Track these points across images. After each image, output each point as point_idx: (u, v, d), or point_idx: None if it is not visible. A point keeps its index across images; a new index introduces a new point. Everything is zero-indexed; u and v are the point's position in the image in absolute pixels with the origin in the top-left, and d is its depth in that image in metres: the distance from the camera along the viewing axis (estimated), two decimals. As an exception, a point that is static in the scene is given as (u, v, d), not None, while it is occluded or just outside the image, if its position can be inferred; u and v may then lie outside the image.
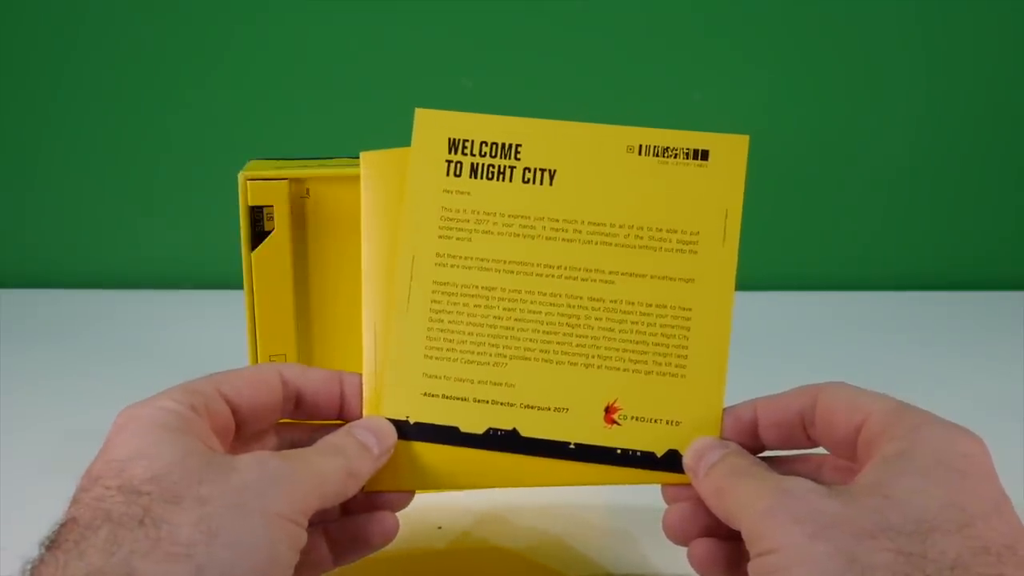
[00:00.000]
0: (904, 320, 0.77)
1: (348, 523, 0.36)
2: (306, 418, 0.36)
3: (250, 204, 0.42)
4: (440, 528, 0.43)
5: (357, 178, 0.42)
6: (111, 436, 0.30)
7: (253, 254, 0.42)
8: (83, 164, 0.80)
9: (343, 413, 0.36)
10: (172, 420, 0.30)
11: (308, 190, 0.43)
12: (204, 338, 0.70)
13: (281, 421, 0.36)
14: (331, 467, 0.32)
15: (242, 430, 0.34)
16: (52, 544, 0.27)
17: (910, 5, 0.76)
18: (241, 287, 0.43)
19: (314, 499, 0.30)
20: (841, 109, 0.79)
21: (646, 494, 0.36)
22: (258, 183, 0.42)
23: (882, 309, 0.79)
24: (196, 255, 0.82)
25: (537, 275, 0.37)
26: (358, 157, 0.44)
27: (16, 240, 0.82)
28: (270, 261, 0.42)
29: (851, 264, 0.84)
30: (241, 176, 0.42)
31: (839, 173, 0.81)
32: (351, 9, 0.75)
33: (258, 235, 0.42)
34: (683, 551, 0.34)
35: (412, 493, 0.37)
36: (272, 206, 0.42)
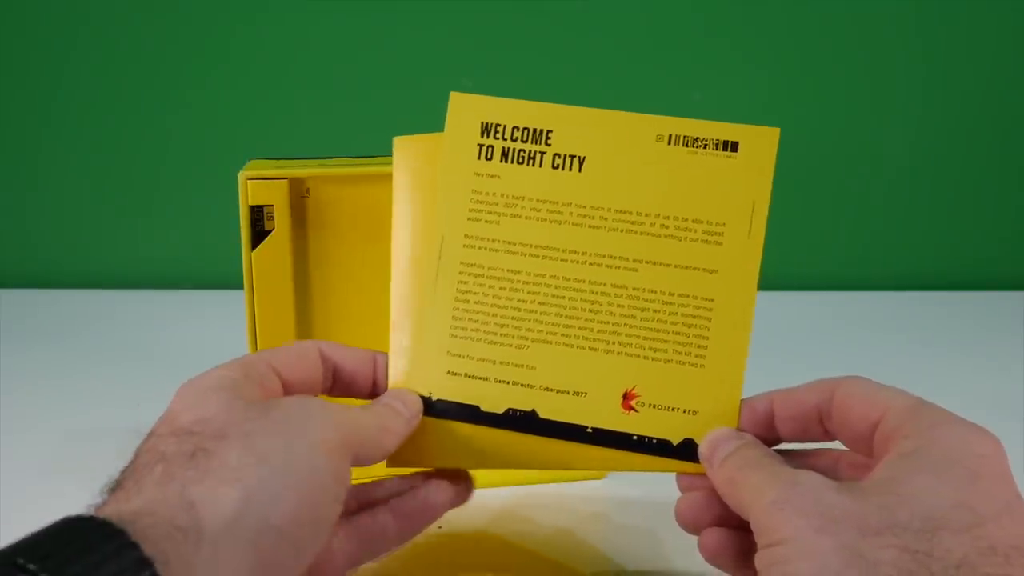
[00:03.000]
0: (904, 320, 0.77)
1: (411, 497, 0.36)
2: (341, 395, 0.37)
3: (250, 204, 0.42)
4: (440, 528, 0.43)
5: (357, 178, 0.42)
6: (171, 403, 0.31)
7: (253, 254, 0.42)
8: (83, 164, 0.80)
9: (375, 392, 0.37)
10: (225, 383, 0.31)
11: (308, 190, 0.43)
12: (204, 338, 0.70)
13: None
14: (367, 418, 0.33)
15: None
16: (114, 488, 0.28)
17: (910, 5, 0.76)
18: (241, 287, 0.43)
19: (352, 437, 0.31)
20: (841, 109, 0.79)
21: (663, 489, 0.37)
22: (258, 183, 0.42)
23: (882, 309, 0.79)
24: (196, 255, 0.82)
25: (562, 260, 0.37)
26: (358, 157, 0.44)
27: (16, 240, 0.82)
28: (270, 261, 0.43)
29: (851, 264, 0.84)
30: (241, 176, 0.42)
31: (839, 173, 0.81)
32: (351, 9, 0.75)
33: (258, 235, 0.42)
34: (694, 543, 0.34)
35: (470, 490, 0.37)
36: (272, 206, 0.42)
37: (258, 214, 0.42)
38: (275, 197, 0.42)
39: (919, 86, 0.79)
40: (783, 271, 0.82)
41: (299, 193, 0.43)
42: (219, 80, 0.77)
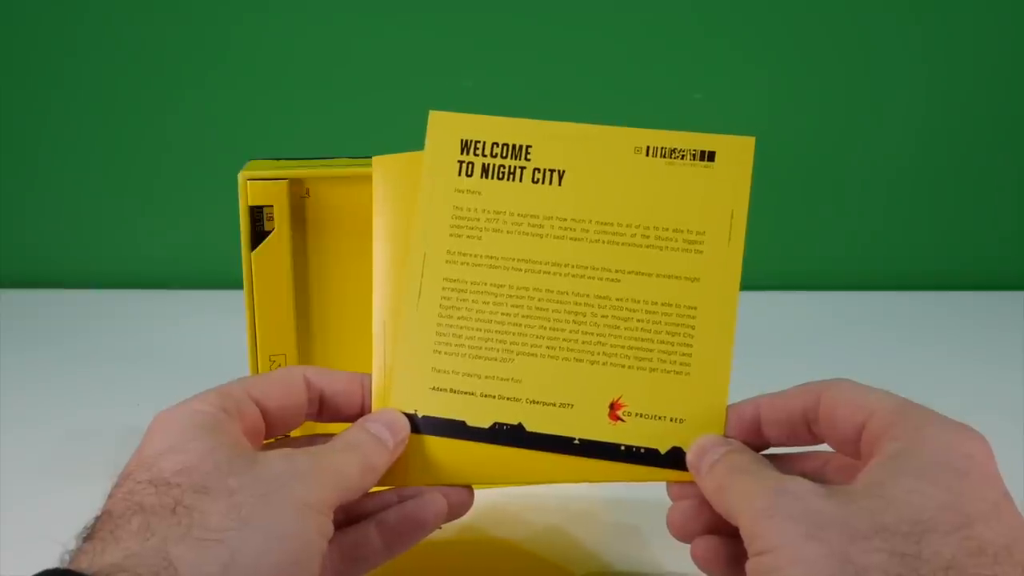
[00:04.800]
0: (904, 320, 0.77)
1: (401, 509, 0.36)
2: (329, 420, 0.37)
3: (250, 204, 0.42)
4: (440, 528, 0.43)
5: (357, 178, 0.42)
6: (145, 437, 0.31)
7: (253, 254, 0.42)
8: (83, 164, 0.80)
9: (363, 414, 0.37)
10: (203, 420, 0.31)
11: (308, 190, 0.43)
12: (204, 338, 0.70)
13: (309, 428, 0.37)
14: (349, 463, 0.32)
15: (270, 432, 0.35)
16: (88, 536, 0.27)
17: (910, 5, 0.76)
18: (241, 287, 0.43)
19: (336, 493, 0.31)
20: (841, 109, 0.79)
21: (651, 488, 0.37)
22: (258, 183, 0.42)
23: (882, 309, 0.79)
24: (196, 255, 0.82)
25: (545, 273, 0.37)
26: (358, 157, 0.44)
27: (16, 240, 0.82)
28: (270, 261, 0.43)
29: (851, 264, 0.84)
30: (241, 176, 0.42)
31: (839, 173, 0.81)
32: (351, 9, 0.75)
33: (258, 235, 0.42)
34: (687, 547, 0.34)
35: (470, 497, 0.37)
36: (272, 206, 0.42)
37: (258, 214, 0.42)
38: (275, 197, 0.42)
39: (919, 86, 0.79)
40: (783, 271, 0.82)
41: (299, 193, 0.43)
42: (218, 80, 0.77)
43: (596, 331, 0.37)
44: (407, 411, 0.36)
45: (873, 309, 0.79)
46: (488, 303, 0.37)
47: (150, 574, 0.25)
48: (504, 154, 0.38)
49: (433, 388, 0.37)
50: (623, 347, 0.37)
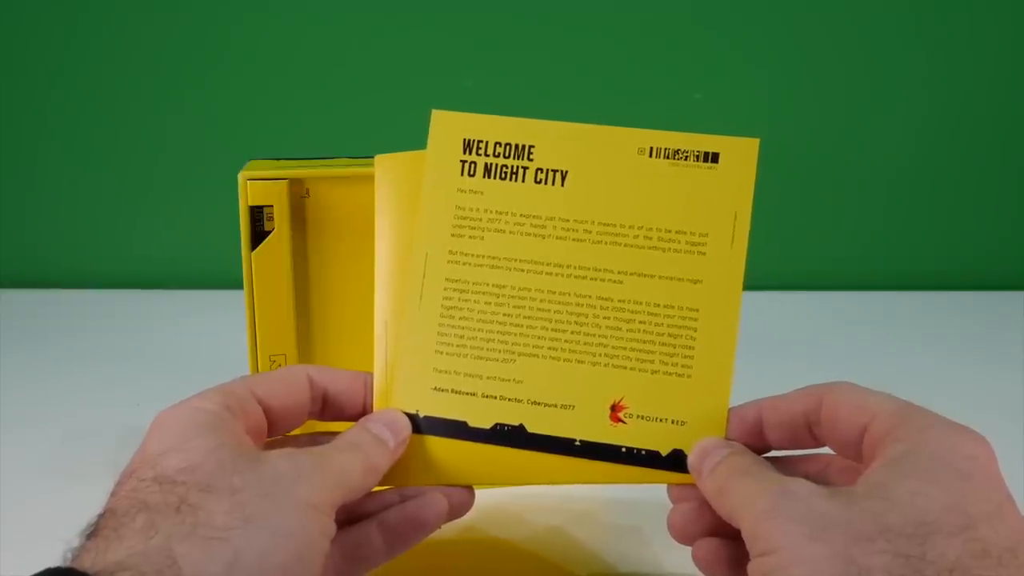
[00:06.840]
0: (904, 320, 0.77)
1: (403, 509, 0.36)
2: (332, 419, 0.37)
3: (250, 204, 0.42)
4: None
5: (357, 178, 0.42)
6: (147, 435, 0.31)
7: (253, 254, 0.42)
8: (83, 164, 0.80)
9: (366, 413, 0.37)
10: (206, 419, 0.31)
11: (308, 190, 0.43)
12: (204, 338, 0.70)
13: (311, 427, 0.37)
14: (352, 463, 0.32)
15: (273, 431, 0.35)
16: (92, 533, 0.27)
17: (910, 5, 0.76)
18: (241, 287, 0.43)
19: (338, 493, 0.31)
20: (841, 109, 0.79)
21: (652, 489, 0.37)
22: (258, 183, 0.42)
23: (882, 309, 0.79)
24: (196, 255, 0.82)
25: (547, 274, 0.37)
26: (358, 157, 0.44)
27: (16, 240, 0.82)
28: (270, 261, 0.43)
29: (851, 264, 0.84)
30: (241, 176, 0.42)
31: (839, 173, 0.81)
32: (351, 9, 0.75)
33: (258, 235, 0.42)
34: (688, 548, 0.34)
35: (471, 497, 0.37)
36: (272, 206, 0.42)
37: (258, 214, 0.42)
38: (275, 197, 0.42)
39: (919, 86, 0.79)
40: (783, 271, 0.82)
41: (299, 193, 0.43)
42: (218, 80, 0.77)
43: (598, 332, 0.37)
44: (409, 411, 0.37)
45: (873, 309, 0.79)
46: (490, 304, 0.37)
47: (154, 572, 0.25)
48: (507, 154, 0.38)
49: (435, 388, 0.37)
50: (625, 348, 0.37)
